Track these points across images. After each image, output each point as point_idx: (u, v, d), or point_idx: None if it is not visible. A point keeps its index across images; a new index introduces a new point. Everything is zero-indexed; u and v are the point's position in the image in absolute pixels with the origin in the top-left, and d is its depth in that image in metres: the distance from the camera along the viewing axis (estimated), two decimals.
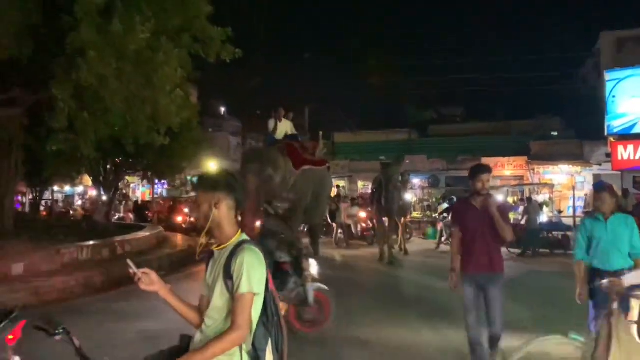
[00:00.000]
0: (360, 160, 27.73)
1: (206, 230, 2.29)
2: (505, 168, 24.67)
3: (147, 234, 14.71)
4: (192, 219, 19.22)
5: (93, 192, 25.36)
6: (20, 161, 13.86)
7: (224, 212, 2.30)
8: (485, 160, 24.73)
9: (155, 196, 30.96)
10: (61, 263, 10.18)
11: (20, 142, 12.93)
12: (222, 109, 40.42)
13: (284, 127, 9.78)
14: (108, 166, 18.10)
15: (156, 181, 27.86)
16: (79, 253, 10.76)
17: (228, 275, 2.21)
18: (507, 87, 34.33)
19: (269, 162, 8.22)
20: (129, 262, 2.24)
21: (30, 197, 24.84)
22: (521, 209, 16.36)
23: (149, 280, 2.24)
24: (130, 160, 17.61)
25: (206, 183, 2.34)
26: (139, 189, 32.82)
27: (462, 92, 35.54)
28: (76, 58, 8.95)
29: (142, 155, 16.05)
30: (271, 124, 9.69)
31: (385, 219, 13.86)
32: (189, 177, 23.58)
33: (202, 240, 2.38)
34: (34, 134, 12.66)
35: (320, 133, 37.22)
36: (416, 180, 26.11)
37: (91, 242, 11.42)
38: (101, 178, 18.38)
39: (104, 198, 19.26)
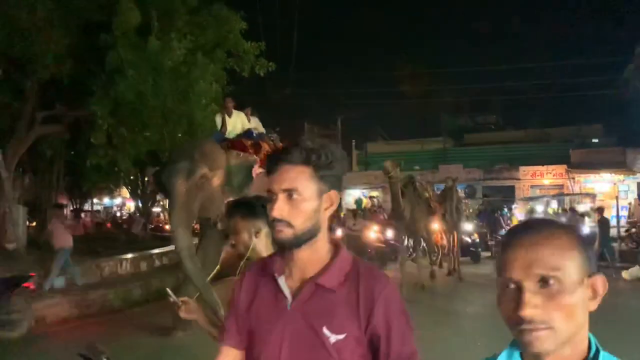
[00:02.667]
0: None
1: (246, 259, 2.25)
2: (544, 177, 24.07)
3: None
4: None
5: (131, 204, 25.83)
6: (62, 174, 14.30)
7: (263, 240, 2.24)
8: (524, 169, 24.33)
9: None
10: (101, 276, 10.39)
11: (62, 157, 13.34)
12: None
13: (237, 122, 7.81)
14: (146, 179, 18.46)
15: None
16: (118, 266, 10.95)
17: None
18: (544, 94, 33.55)
19: (203, 159, 6.11)
20: (169, 291, 2.25)
21: (71, 208, 25.50)
22: (564, 220, 15.87)
23: (188, 309, 2.23)
24: None
25: (244, 210, 2.27)
26: None
27: (496, 98, 34.99)
28: (114, 76, 9.19)
29: None
30: (218, 119, 7.86)
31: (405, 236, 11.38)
32: None
33: (242, 268, 2.34)
34: (75, 148, 13.01)
35: (353, 142, 37.03)
36: None
37: (130, 255, 11.62)
38: (139, 190, 18.75)
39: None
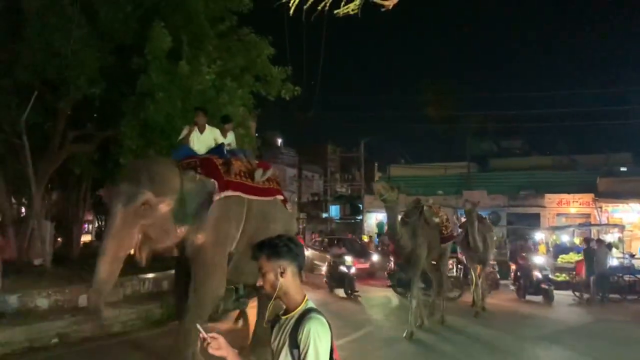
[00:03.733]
0: (418, 195, 27.41)
1: (274, 298, 2.28)
2: (571, 205, 23.67)
3: None
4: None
5: None
6: (89, 192, 14.55)
7: (289, 279, 2.28)
8: (549, 197, 24.01)
9: None
10: (123, 295, 10.46)
11: (90, 175, 13.59)
12: (279, 140, 41.22)
13: (208, 138, 6.83)
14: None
15: None
16: (141, 285, 11.03)
17: (294, 343, 2.19)
18: (572, 120, 33.30)
19: (150, 182, 5.21)
20: (199, 326, 2.27)
21: (97, 224, 25.85)
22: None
23: (217, 345, 2.25)
24: None
25: (269, 251, 2.30)
26: None
27: (523, 125, 34.84)
28: (145, 98, 9.40)
29: None
30: (185, 132, 6.88)
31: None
32: None
33: (271, 308, 2.37)
34: (103, 167, 13.26)
35: (376, 165, 37.10)
36: None
37: (151, 275, 11.70)
38: None
39: None
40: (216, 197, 5.79)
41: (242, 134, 10.81)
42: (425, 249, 9.40)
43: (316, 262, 19.14)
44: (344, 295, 13.21)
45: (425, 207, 9.87)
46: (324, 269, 15.14)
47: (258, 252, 2.33)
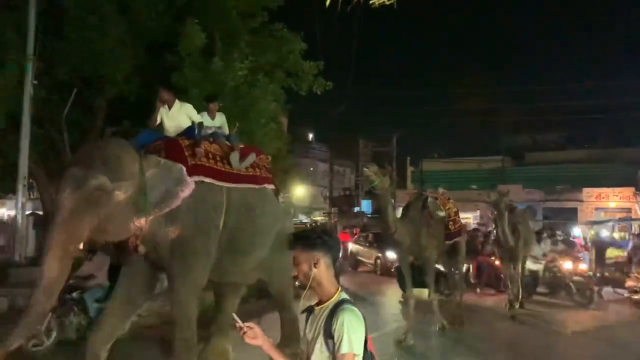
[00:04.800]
0: (451, 190, 27.07)
1: (308, 288, 2.34)
2: (610, 199, 23.08)
3: None
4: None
5: None
6: None
7: (323, 270, 2.33)
8: (587, 191, 23.45)
9: None
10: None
11: None
12: (310, 135, 41.32)
13: (178, 113, 6.05)
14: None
15: None
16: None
17: (328, 334, 2.23)
18: (611, 113, 32.36)
19: (104, 165, 4.50)
20: (235, 316, 2.32)
21: None
22: (630, 245, 15.07)
23: (253, 334, 2.30)
24: None
25: (303, 242, 2.38)
26: None
27: (558, 116, 34.04)
28: (178, 95, 9.51)
29: None
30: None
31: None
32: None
33: (304, 298, 2.41)
34: None
35: (408, 159, 36.44)
36: None
37: None
38: None
39: None
40: (187, 184, 4.99)
41: (274, 129, 10.91)
42: (434, 248, 8.58)
43: (360, 257, 18.89)
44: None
45: (430, 200, 8.79)
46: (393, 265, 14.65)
47: (294, 243, 2.41)
